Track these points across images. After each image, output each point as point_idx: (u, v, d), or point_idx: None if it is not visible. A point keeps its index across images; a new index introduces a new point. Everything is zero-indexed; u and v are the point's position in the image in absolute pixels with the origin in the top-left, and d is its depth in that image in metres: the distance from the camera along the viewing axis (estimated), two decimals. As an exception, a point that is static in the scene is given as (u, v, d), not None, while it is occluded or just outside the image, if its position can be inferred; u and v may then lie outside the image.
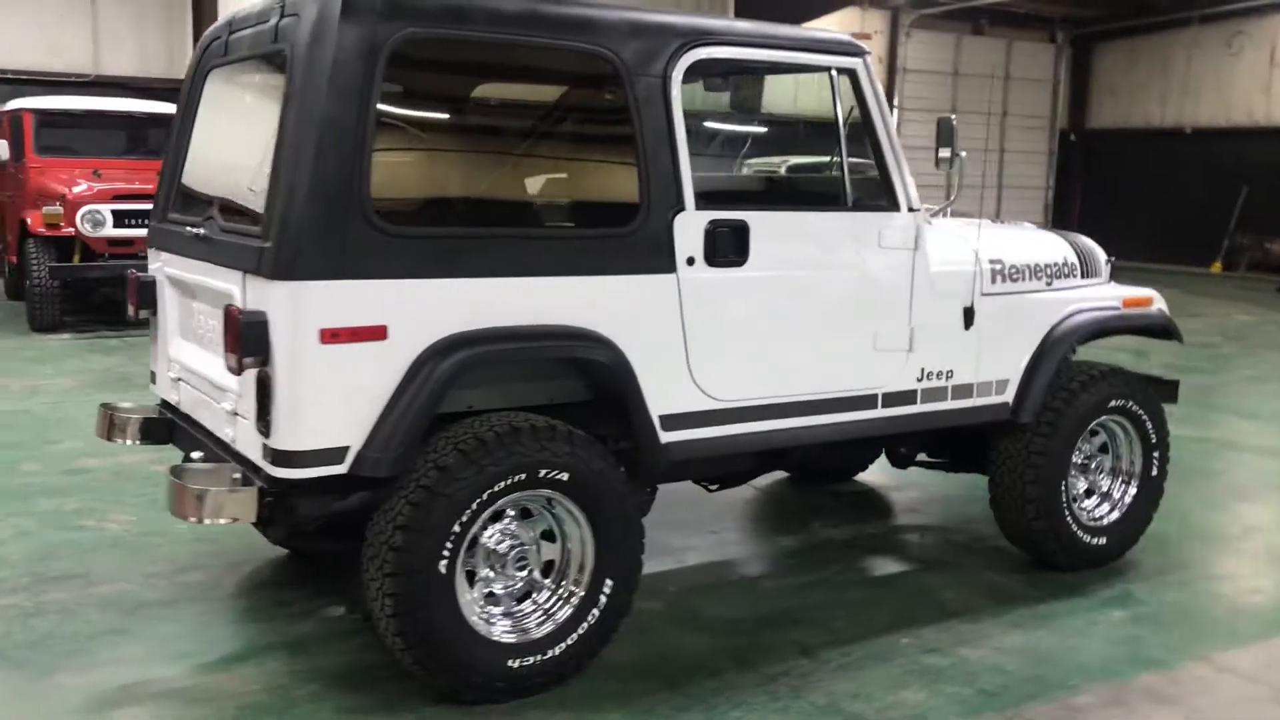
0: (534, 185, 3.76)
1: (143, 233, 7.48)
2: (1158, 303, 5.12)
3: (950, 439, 4.90)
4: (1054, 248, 4.89)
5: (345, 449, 3.28)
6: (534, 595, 3.67)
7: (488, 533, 3.56)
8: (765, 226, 3.94)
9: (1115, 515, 4.97)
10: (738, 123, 4.80)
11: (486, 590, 3.59)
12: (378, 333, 3.27)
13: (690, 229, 3.76)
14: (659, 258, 3.71)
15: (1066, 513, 4.75)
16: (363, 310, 3.24)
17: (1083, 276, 4.95)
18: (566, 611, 3.66)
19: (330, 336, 3.20)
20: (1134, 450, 5.01)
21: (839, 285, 4.13)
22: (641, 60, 3.64)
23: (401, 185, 3.45)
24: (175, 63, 15.58)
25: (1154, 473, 5.02)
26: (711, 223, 3.80)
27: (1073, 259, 4.92)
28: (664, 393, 3.79)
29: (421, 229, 3.40)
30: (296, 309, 3.17)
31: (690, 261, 3.78)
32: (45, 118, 11.65)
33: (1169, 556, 5.13)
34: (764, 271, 3.94)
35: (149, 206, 9.67)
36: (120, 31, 15.35)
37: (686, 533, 5.33)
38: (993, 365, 4.60)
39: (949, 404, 4.50)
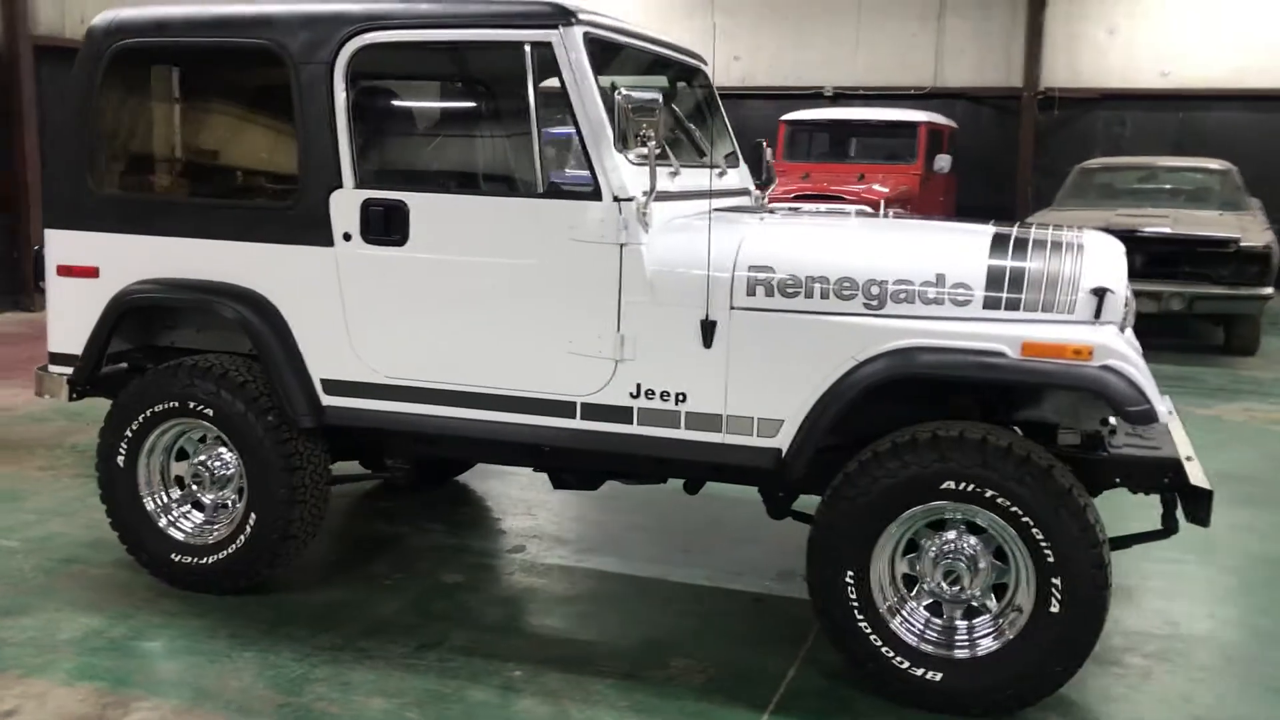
0: (216, 163, 4.32)
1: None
2: (1105, 358, 3.31)
3: None
4: (924, 258, 3.53)
5: (76, 356, 4.40)
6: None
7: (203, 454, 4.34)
8: (429, 208, 3.89)
9: (967, 651, 3.45)
10: (440, 102, 4.34)
11: (190, 498, 4.37)
12: (91, 272, 4.32)
13: (346, 206, 3.96)
14: (317, 231, 4.01)
15: (859, 616, 3.51)
16: (82, 254, 4.33)
17: (992, 307, 3.46)
18: (222, 532, 4.25)
19: (64, 271, 4.37)
20: (1022, 566, 3.40)
21: (517, 276, 3.81)
22: (308, 49, 3.96)
23: (113, 161, 4.39)
24: (1012, 72, 15.92)
25: (1053, 608, 3.33)
26: (366, 201, 3.94)
27: (966, 278, 3.47)
28: (327, 358, 4.08)
29: (123, 195, 4.34)
30: (48, 249, 4.41)
31: (347, 237, 3.98)
32: (794, 126, 13.39)
33: None
34: (425, 254, 3.90)
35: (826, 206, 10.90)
36: (961, 45, 16.22)
37: (634, 537, 5.00)
38: (753, 398, 3.64)
39: (681, 433, 3.72)
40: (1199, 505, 3.44)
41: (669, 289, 3.67)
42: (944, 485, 3.38)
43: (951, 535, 3.51)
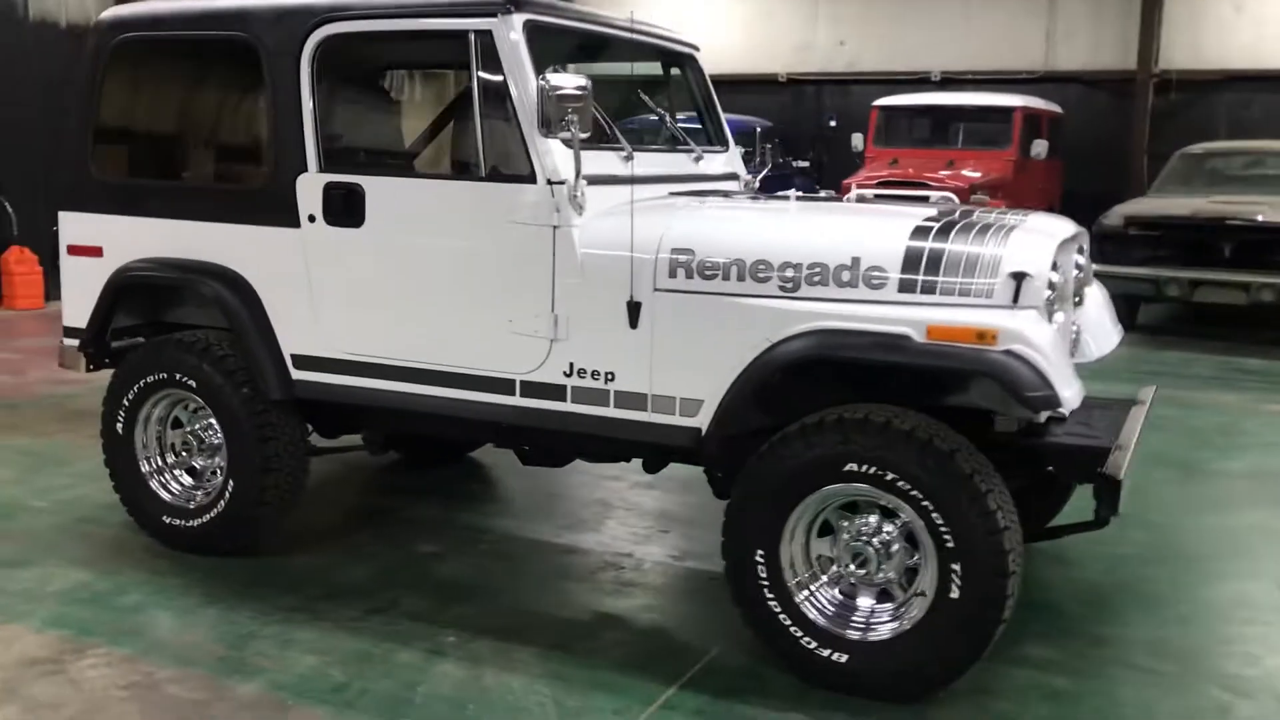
0: (201, 148, 4.55)
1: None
2: (1010, 343, 3.24)
3: None
4: (841, 241, 3.51)
5: (83, 329, 4.73)
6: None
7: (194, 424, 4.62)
8: (383, 191, 4.06)
9: (866, 634, 3.45)
10: (396, 88, 4.39)
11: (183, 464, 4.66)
12: (96, 251, 4.63)
13: (310, 189, 4.16)
14: (286, 213, 4.22)
15: (768, 595, 3.55)
16: (88, 234, 4.65)
17: (908, 290, 3.43)
18: (206, 498, 4.52)
19: (73, 250, 4.69)
20: (925, 551, 3.37)
21: (462, 257, 3.95)
22: (279, 41, 4.18)
23: (111, 146, 4.67)
24: (1128, 54, 15.30)
25: (953, 594, 3.30)
26: (328, 184, 4.13)
27: (881, 261, 3.45)
28: (296, 334, 4.29)
29: (119, 180, 4.63)
30: (60, 230, 4.74)
31: (311, 219, 4.18)
32: (887, 112, 13.22)
33: None
34: (380, 235, 4.07)
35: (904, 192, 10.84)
36: (1074, 26, 15.67)
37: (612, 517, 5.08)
38: (675, 379, 3.70)
39: (610, 411, 3.80)
40: (1110, 494, 3.36)
41: (597, 270, 3.76)
42: (846, 467, 3.39)
43: (870, 519, 3.51)
